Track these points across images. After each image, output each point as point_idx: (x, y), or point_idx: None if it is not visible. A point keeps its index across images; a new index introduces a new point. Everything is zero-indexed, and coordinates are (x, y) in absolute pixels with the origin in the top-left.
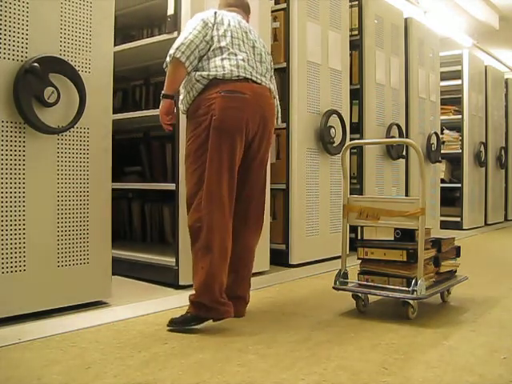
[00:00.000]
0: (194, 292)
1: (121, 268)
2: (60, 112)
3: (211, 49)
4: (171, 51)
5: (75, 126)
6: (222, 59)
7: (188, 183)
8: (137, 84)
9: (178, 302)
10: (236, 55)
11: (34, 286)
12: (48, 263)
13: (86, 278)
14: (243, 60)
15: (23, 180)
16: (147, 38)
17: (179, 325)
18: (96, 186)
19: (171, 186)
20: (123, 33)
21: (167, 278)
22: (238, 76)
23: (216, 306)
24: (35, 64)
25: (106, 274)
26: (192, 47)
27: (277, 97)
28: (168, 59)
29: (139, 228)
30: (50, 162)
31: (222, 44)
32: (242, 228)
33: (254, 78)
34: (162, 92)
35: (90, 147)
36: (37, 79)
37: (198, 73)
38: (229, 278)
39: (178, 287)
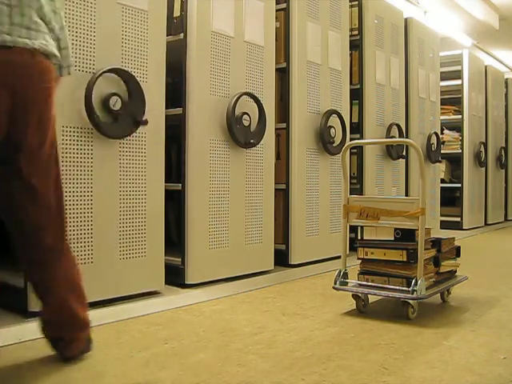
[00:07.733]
0: None
1: None
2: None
3: None
4: None
5: (137, 132)
6: None
7: None
8: None
9: (180, 301)
10: None
11: None
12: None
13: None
14: None
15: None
16: None
17: None
18: (152, 186)
19: (177, 187)
20: None
21: (173, 277)
22: None
23: None
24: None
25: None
26: None
27: (65, 44)
28: None
29: None
30: (113, 165)
31: None
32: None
33: None
34: None
35: (148, 151)
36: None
37: None
38: None
39: (184, 286)
